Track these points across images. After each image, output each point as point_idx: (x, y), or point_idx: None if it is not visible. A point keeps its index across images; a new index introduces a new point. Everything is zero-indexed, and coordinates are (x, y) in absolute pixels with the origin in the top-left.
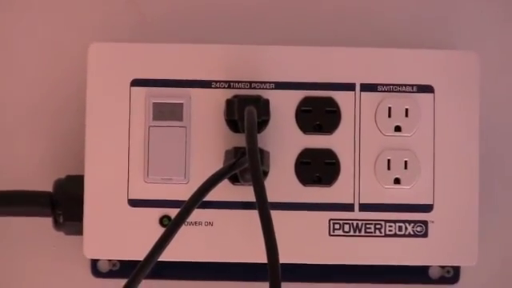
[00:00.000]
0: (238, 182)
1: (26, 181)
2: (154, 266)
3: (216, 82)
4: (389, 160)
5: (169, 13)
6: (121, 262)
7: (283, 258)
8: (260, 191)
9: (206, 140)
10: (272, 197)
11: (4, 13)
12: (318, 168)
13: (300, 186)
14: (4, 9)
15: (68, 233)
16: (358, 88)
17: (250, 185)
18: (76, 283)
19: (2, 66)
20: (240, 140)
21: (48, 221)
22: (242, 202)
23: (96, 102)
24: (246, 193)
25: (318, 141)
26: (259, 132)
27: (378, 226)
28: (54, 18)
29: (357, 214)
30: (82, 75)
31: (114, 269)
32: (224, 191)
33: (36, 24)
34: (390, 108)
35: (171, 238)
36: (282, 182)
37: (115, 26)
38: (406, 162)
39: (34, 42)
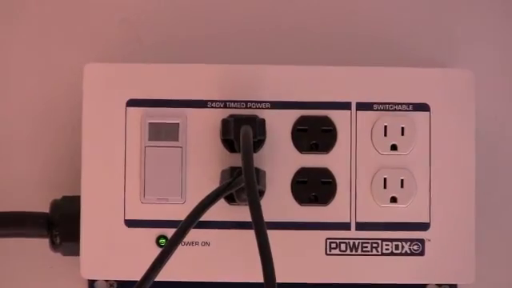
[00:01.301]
0: (235, 201)
1: (22, 202)
2: (151, 286)
3: (212, 101)
4: (385, 179)
5: (163, 32)
6: (118, 282)
7: (280, 278)
8: (256, 211)
9: (202, 160)
10: (268, 216)
11: (0, 34)
12: (314, 187)
13: (296, 205)
14: (0, 30)
15: (65, 253)
16: (353, 107)
17: (246, 204)
18: None
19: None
20: (236, 160)
21: (45, 242)
22: (238, 222)
23: (92, 123)
24: (243, 212)
25: (314, 160)
26: (255, 151)
27: (374, 245)
28: (50, 38)
29: (353, 233)
30: (78, 96)
31: None
32: (220, 211)
33: (32, 44)
34: (385, 126)
35: (168, 258)
36: (278, 202)
37: (110, 46)
38: (402, 180)
39: (30, 62)
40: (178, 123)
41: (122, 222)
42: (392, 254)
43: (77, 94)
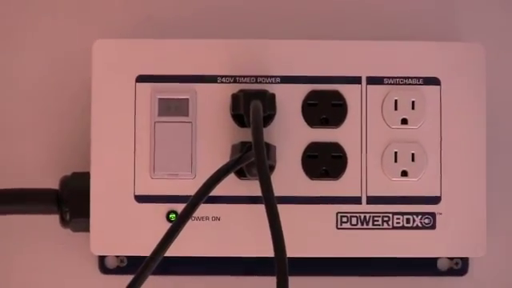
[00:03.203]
0: (245, 176)
1: (32, 179)
2: (161, 261)
3: (222, 76)
4: (396, 152)
5: (173, 8)
6: (128, 258)
7: (290, 252)
8: (266, 185)
9: (212, 135)
10: (279, 191)
11: (8, 10)
12: (324, 161)
13: (307, 179)
14: (8, 7)
15: (75, 230)
16: (364, 81)
17: (256, 179)
18: (84, 280)
19: (8, 65)
20: (246, 134)
21: (55, 218)
22: (248, 197)
23: (101, 99)
24: (253, 187)
25: (324, 134)
26: (265, 126)
27: (385, 219)
28: (59, 15)
29: (364, 207)
30: (87, 72)
31: (122, 265)
32: (231, 186)
33: (40, 21)
34: (396, 101)
35: (177, 234)
36: (288, 176)
37: (120, 22)
38: (413, 154)
39: (39, 39)
40: (188, 98)
41: (132, 198)
42: (403, 227)
43: (87, 70)
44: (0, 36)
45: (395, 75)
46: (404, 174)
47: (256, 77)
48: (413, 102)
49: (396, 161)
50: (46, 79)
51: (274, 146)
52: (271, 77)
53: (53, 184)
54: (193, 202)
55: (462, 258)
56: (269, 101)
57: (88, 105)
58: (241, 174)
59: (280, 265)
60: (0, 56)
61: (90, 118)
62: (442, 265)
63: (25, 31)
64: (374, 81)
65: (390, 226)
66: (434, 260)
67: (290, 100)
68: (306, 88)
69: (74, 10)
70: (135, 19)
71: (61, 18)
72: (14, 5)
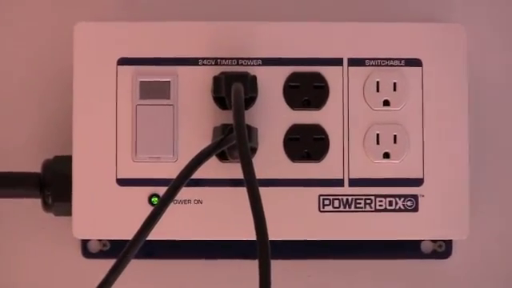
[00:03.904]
0: (227, 159)
1: (13, 162)
2: (143, 245)
3: (203, 59)
4: (378, 134)
5: None
6: (111, 241)
7: (273, 235)
8: (248, 168)
9: (194, 117)
10: (261, 173)
11: None
12: (306, 144)
13: (289, 162)
14: None
15: (57, 214)
16: (345, 63)
17: (238, 162)
18: (67, 264)
19: None
20: (228, 117)
21: (37, 202)
22: (230, 180)
23: (83, 82)
24: (235, 170)
25: (306, 116)
26: (247, 109)
27: (368, 201)
28: None
29: (346, 190)
30: (68, 55)
31: (105, 249)
32: (212, 169)
33: (21, 4)
34: (378, 82)
35: (159, 217)
36: (270, 159)
37: (101, 4)
38: (395, 136)
39: (19, 21)
40: (169, 81)
41: (114, 181)
42: (386, 210)
43: (68, 53)
44: None
45: (377, 56)
46: (386, 156)
47: (237, 59)
48: (394, 84)
49: (378, 143)
50: (27, 62)
51: (256, 129)
52: (252, 59)
53: (35, 168)
54: (174, 185)
55: (445, 241)
56: (250, 83)
57: (69, 88)
58: (222, 157)
59: (262, 248)
60: None
61: (72, 101)
62: (426, 247)
63: (4, 13)
64: (355, 62)
65: (373, 209)
66: (417, 243)
67: (271, 82)
68: (288, 70)
69: None
70: (117, 2)
71: (42, 0)
72: None
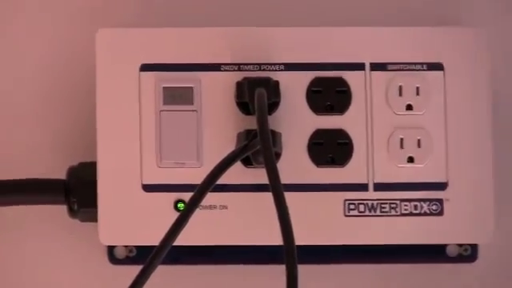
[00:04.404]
0: (251, 164)
1: (38, 169)
2: (169, 250)
3: (225, 64)
4: (401, 139)
5: None
6: (137, 247)
7: (299, 240)
8: (273, 173)
9: (218, 123)
10: (285, 178)
11: None
12: (330, 148)
13: (313, 166)
14: None
15: (83, 220)
16: (367, 67)
17: (262, 167)
18: (93, 270)
19: (11, 53)
20: (251, 122)
21: (63, 209)
22: (255, 185)
23: (106, 88)
24: (260, 175)
25: (329, 121)
26: (270, 114)
27: (393, 206)
28: (62, 3)
29: (371, 194)
30: (91, 61)
31: (131, 255)
32: (237, 174)
33: (44, 10)
34: (400, 87)
35: (186, 223)
36: (295, 164)
37: (122, 10)
38: (418, 140)
39: (43, 28)
40: (192, 87)
41: (140, 187)
42: (411, 214)
43: (91, 59)
44: (2, 23)
45: (399, 61)
46: (410, 160)
47: (260, 64)
48: (417, 88)
49: (402, 147)
50: (50, 69)
51: (280, 134)
52: (275, 64)
53: (60, 174)
54: (200, 191)
55: (470, 245)
56: (273, 88)
57: (93, 94)
58: (247, 162)
59: (289, 253)
60: (2, 44)
61: (95, 108)
62: (451, 251)
63: (28, 20)
64: (377, 67)
65: (398, 213)
66: (443, 247)
67: (294, 87)
68: (310, 75)
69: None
70: (138, 8)
71: (65, 6)
72: None
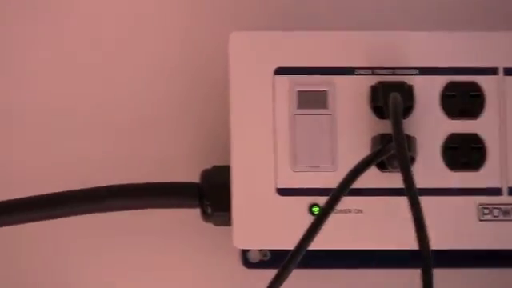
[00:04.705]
0: (386, 168)
1: (172, 173)
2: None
3: (359, 68)
4: None
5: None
6: (271, 251)
7: (433, 244)
8: (408, 177)
9: (352, 127)
10: (420, 182)
11: (150, 4)
12: (465, 153)
13: (447, 171)
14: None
15: (217, 223)
16: (501, 72)
17: (397, 171)
18: (227, 274)
19: (144, 57)
20: (386, 126)
21: (195, 212)
22: (390, 189)
23: (239, 92)
24: (395, 179)
25: (463, 125)
26: (404, 118)
27: None
28: (195, 6)
29: (506, 199)
30: (224, 65)
31: (265, 259)
32: (372, 178)
33: (177, 14)
34: None
35: (321, 227)
36: (429, 168)
37: (255, 13)
38: None
39: (173, 32)
40: (327, 91)
41: (274, 191)
42: None
43: (224, 63)
44: (133, 29)
45: None
46: None
47: (394, 68)
48: None
49: None
50: (184, 73)
51: (414, 138)
52: (409, 68)
53: (193, 178)
54: (335, 195)
55: None
56: (407, 92)
57: (226, 98)
58: (382, 167)
59: (425, 257)
60: (136, 49)
61: (229, 111)
62: None
63: (160, 23)
64: (511, 72)
65: None
66: None
67: (428, 91)
68: (444, 79)
69: (211, 2)
70: (270, 11)
71: (197, 9)
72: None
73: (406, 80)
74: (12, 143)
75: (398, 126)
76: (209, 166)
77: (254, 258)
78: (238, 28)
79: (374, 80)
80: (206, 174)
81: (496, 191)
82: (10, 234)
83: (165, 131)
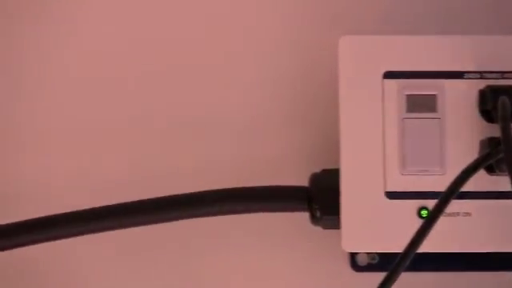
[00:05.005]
0: (494, 172)
1: (281, 176)
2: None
3: (468, 72)
4: None
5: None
6: (379, 254)
7: None
8: None
9: (461, 131)
10: None
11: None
12: None
13: None
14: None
15: (325, 227)
16: None
17: (505, 175)
18: (335, 277)
19: (253, 61)
20: (494, 130)
21: (302, 215)
22: (499, 192)
23: (349, 96)
24: (503, 182)
25: None
26: None
27: None
28: (305, 10)
29: None
30: (333, 68)
31: (373, 262)
32: (480, 181)
33: (287, 17)
34: None
35: (430, 230)
36: None
37: (362, 17)
38: None
39: (284, 35)
40: (436, 94)
41: (383, 194)
42: None
43: (333, 66)
44: (243, 31)
45: None
46: None
47: (502, 72)
48: None
49: None
50: (294, 76)
51: None
52: None
53: (302, 182)
54: (444, 198)
55: None
56: None
57: (334, 101)
58: (490, 170)
59: None
60: (246, 54)
61: (338, 115)
62: None
63: (270, 27)
64: None
65: None
66: None
67: None
68: None
69: (321, 4)
70: (376, 15)
71: (307, 13)
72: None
73: None
74: (135, 149)
75: (506, 129)
76: (317, 170)
77: (363, 261)
78: (343, 32)
79: (482, 84)
80: (315, 178)
81: None
82: (130, 235)
83: (274, 135)
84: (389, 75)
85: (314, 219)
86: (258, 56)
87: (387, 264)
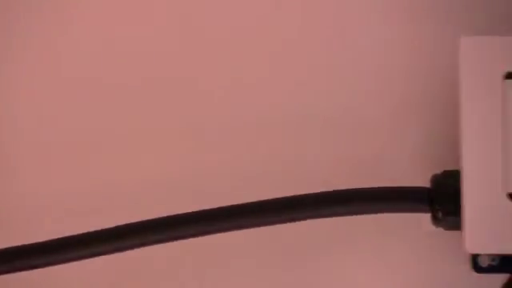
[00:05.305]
0: None
1: (402, 177)
2: None
3: None
4: None
5: None
6: (500, 256)
7: None
8: None
9: None
10: None
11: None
12: None
13: None
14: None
15: (447, 228)
16: None
17: None
18: (456, 278)
19: (370, 59)
20: None
21: (419, 217)
22: None
23: (470, 97)
24: None
25: None
26: None
27: None
28: (424, 9)
29: None
30: (448, 68)
31: (493, 263)
32: None
33: (404, 15)
34: None
35: None
36: None
37: (487, 18)
38: None
39: (400, 34)
40: None
41: (505, 196)
42: None
43: (453, 66)
44: (358, 28)
45: None
46: None
47: None
48: None
49: None
50: (415, 74)
51: None
52: None
53: (424, 182)
54: None
55: None
56: None
57: (455, 102)
58: None
59: None
60: (361, 52)
61: (459, 116)
62: None
63: (384, 25)
64: None
65: None
66: None
67: None
68: None
69: (442, 5)
70: (494, 16)
71: (425, 11)
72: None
73: None
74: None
75: None
76: (439, 171)
77: (484, 262)
78: (462, 32)
79: None
80: (437, 179)
81: None
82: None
83: (393, 136)
84: (510, 76)
85: (436, 220)
86: (374, 55)
87: (507, 266)
